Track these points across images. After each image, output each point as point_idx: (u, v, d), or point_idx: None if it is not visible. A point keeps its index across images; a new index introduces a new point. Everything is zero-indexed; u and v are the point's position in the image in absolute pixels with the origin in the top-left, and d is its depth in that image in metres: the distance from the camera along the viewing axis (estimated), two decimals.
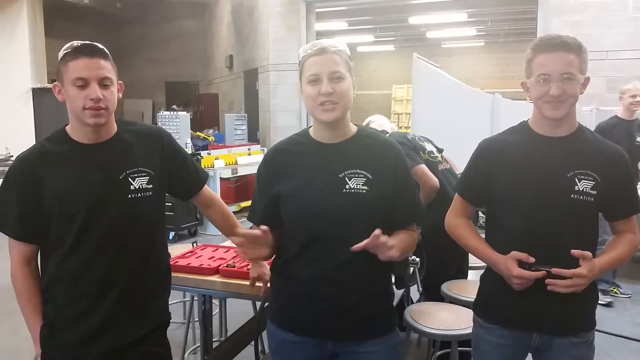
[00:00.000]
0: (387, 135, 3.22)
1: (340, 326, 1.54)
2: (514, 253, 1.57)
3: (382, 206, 1.53)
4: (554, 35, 1.57)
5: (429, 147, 3.16)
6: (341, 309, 1.53)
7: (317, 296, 1.53)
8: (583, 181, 1.56)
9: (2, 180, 1.60)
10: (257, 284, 2.01)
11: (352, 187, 1.50)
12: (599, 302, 3.85)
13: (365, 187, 1.50)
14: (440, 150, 3.32)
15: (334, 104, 1.48)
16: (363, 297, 1.54)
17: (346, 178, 1.51)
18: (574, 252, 1.51)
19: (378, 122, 3.39)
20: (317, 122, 1.56)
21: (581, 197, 1.56)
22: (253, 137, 9.20)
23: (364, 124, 3.40)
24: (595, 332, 1.70)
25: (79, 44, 1.52)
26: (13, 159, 1.76)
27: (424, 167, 2.96)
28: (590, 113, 5.13)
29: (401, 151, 1.62)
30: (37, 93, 7.43)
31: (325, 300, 1.53)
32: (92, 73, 1.49)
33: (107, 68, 1.53)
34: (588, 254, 1.52)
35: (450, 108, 5.16)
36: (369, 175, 1.52)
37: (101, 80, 1.51)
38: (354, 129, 1.60)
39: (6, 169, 1.65)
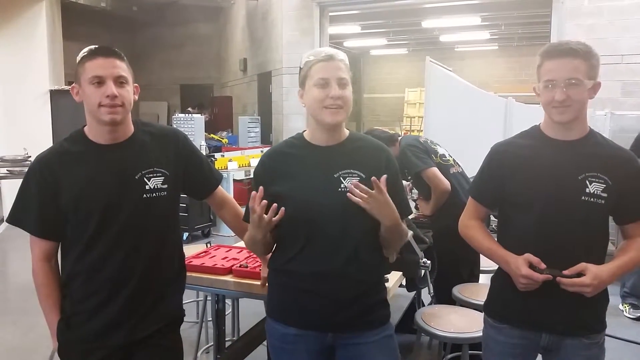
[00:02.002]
0: (400, 138, 3.23)
1: (340, 319, 1.61)
2: (527, 255, 1.59)
3: None
4: (561, 42, 1.61)
5: (441, 150, 3.16)
6: (341, 303, 1.59)
7: (317, 291, 1.59)
8: (594, 183, 1.57)
9: (22, 179, 1.66)
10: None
11: (346, 186, 1.57)
12: (629, 315, 3.87)
13: None
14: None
15: (340, 107, 1.56)
16: (361, 290, 1.62)
17: (341, 178, 1.59)
18: (567, 275, 1.54)
19: None
20: (316, 125, 1.63)
21: (592, 199, 1.57)
22: (266, 139, 9.25)
23: None
24: (608, 338, 1.70)
25: (95, 47, 1.58)
26: (31, 159, 1.81)
27: (435, 170, 2.97)
28: (604, 117, 5.08)
29: (392, 154, 1.71)
30: (54, 95, 7.52)
31: (326, 294, 1.59)
32: (107, 71, 1.55)
33: (123, 68, 1.59)
34: (581, 266, 1.54)
35: (463, 111, 5.16)
36: (362, 174, 1.60)
37: (117, 79, 1.56)
38: (346, 132, 1.68)
39: (24, 169, 1.70)
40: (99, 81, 1.54)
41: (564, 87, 1.53)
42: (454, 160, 3.21)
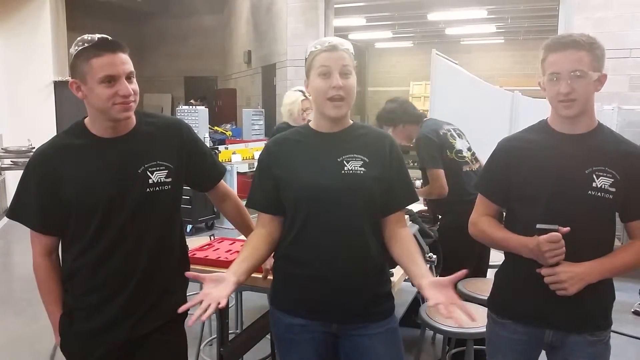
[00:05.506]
0: (425, 120, 3.23)
1: (344, 309, 1.60)
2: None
3: (378, 187, 1.59)
4: (564, 34, 1.58)
5: (459, 145, 3.10)
6: (344, 291, 1.58)
7: (320, 277, 1.58)
8: (601, 178, 1.55)
9: (22, 172, 1.61)
10: (269, 277, 2.03)
11: (350, 168, 1.58)
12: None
13: (362, 169, 1.59)
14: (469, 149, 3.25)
15: (342, 99, 1.56)
16: (365, 278, 1.60)
17: (344, 161, 1.59)
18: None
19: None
20: (321, 116, 1.63)
21: (599, 193, 1.54)
22: (270, 132, 9.24)
23: None
24: (613, 334, 1.68)
25: (96, 39, 1.49)
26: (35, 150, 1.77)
27: (440, 172, 2.96)
28: (611, 112, 5.03)
29: (395, 142, 1.70)
30: (58, 86, 7.53)
31: (329, 280, 1.57)
32: (119, 69, 1.48)
33: (130, 61, 1.53)
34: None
35: (468, 105, 5.12)
36: (365, 159, 1.60)
37: (128, 75, 1.51)
38: (350, 121, 1.69)
39: (28, 160, 1.66)
40: (111, 80, 1.48)
41: (569, 79, 1.51)
42: (471, 156, 3.15)
